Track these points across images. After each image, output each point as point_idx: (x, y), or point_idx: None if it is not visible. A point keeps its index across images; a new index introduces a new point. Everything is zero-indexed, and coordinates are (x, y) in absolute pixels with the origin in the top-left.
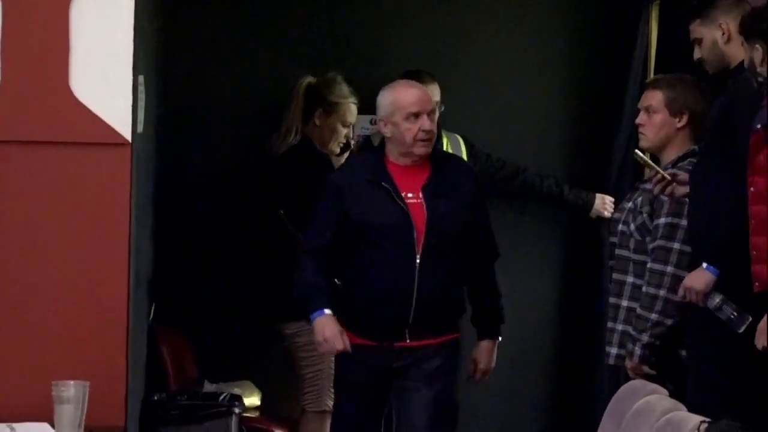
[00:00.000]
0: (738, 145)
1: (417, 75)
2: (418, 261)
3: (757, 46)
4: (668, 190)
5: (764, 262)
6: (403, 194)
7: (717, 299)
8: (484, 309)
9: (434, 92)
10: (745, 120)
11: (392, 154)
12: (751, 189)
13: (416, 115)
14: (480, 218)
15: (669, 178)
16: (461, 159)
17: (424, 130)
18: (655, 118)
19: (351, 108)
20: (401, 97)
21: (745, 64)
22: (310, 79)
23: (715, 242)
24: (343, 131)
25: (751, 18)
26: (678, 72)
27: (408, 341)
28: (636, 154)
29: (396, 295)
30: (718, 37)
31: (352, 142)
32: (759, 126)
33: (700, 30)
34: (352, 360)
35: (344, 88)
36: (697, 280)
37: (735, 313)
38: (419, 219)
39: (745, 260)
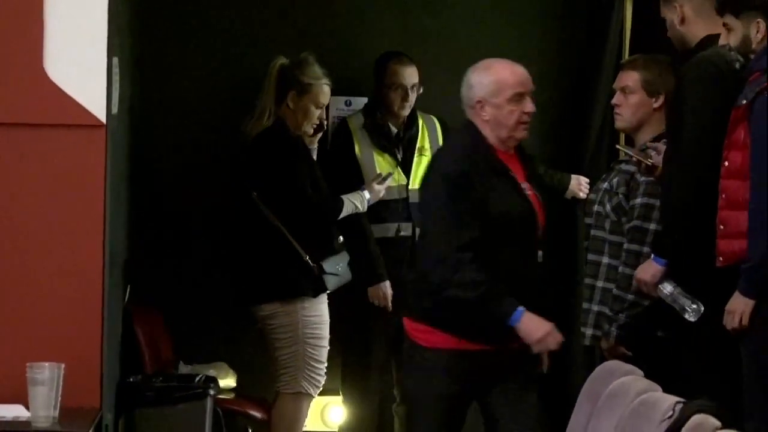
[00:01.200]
0: (683, 127)
1: (398, 57)
2: (540, 256)
3: (760, 20)
4: (657, 173)
5: (730, 237)
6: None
7: (668, 288)
8: None
9: (413, 75)
10: (694, 101)
11: (489, 140)
12: (726, 164)
13: (520, 96)
14: None
15: (650, 163)
16: None
17: (526, 112)
18: (632, 99)
19: (324, 89)
20: (505, 77)
21: (732, 41)
22: (282, 60)
23: (661, 230)
24: (316, 113)
25: None
26: (653, 52)
27: (519, 341)
28: (618, 148)
29: (527, 293)
30: (675, 18)
31: (326, 124)
32: (744, 102)
33: (663, 10)
34: (453, 368)
35: (317, 69)
36: (645, 272)
37: (688, 303)
38: (539, 211)
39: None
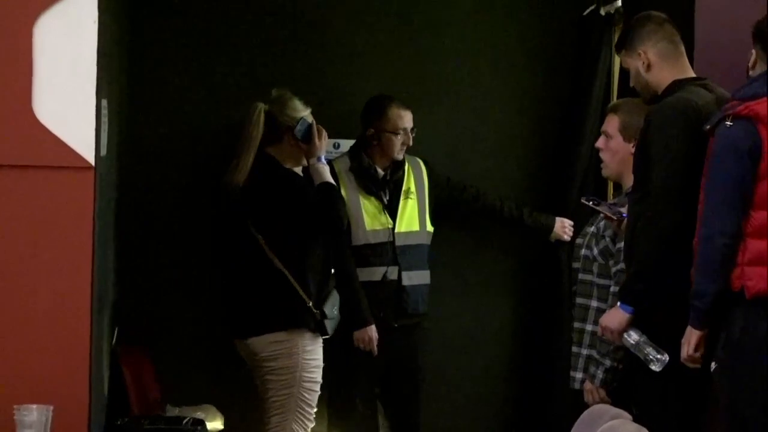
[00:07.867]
0: (654, 175)
1: (396, 101)
2: None
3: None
4: (623, 226)
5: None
6: None
7: (633, 337)
8: None
9: (411, 118)
10: (661, 148)
11: None
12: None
13: None
14: None
15: (615, 218)
16: None
17: None
18: (611, 144)
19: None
20: None
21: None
22: (264, 106)
23: (627, 279)
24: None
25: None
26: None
27: None
28: (582, 201)
29: None
30: (640, 65)
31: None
32: (708, 127)
33: (625, 60)
34: None
35: (297, 103)
36: (611, 320)
37: (653, 353)
38: None
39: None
